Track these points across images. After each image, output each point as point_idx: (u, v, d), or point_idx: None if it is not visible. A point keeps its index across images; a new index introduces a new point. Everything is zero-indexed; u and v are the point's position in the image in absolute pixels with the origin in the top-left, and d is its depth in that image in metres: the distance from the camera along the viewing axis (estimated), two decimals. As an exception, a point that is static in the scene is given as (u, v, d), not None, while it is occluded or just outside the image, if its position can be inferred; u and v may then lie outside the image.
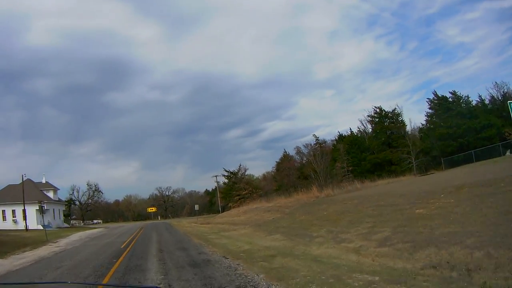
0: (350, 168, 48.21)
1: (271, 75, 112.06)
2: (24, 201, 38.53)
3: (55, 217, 51.55)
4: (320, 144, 58.09)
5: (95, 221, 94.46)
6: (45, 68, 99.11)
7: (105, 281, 7.52)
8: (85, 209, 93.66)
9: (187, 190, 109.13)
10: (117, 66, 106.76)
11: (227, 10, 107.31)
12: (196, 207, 54.84)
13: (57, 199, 54.00)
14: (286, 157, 65.69)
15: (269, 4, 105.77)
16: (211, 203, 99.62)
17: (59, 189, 55.32)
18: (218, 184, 63.45)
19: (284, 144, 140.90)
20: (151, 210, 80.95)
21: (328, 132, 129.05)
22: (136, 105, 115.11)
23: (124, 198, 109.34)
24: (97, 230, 41.04)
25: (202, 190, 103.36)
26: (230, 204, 55.59)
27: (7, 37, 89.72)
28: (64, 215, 63.80)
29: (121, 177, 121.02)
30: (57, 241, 23.33)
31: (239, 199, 53.74)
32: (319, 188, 35.31)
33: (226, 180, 63.79)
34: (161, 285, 6.15)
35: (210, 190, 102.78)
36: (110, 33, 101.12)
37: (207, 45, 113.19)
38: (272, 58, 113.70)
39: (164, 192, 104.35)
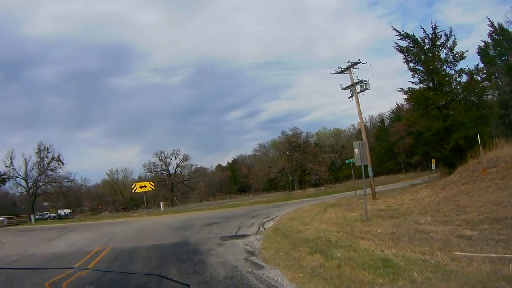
0: None
1: (273, 55, 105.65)
2: None
3: None
4: None
5: (64, 212, 52.71)
6: (50, 55, 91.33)
7: None
8: (33, 194, 51.11)
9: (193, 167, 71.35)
10: (121, 51, 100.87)
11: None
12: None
13: None
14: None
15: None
16: (234, 178, 78.24)
17: None
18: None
19: (283, 124, 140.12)
20: (142, 189, 36.60)
21: (329, 111, 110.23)
22: (138, 88, 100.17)
23: (108, 176, 67.46)
24: None
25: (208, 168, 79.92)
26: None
27: (12, 25, 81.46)
28: None
29: (122, 161, 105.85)
30: None
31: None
32: None
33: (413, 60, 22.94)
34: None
35: (225, 164, 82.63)
36: (114, 17, 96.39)
37: (211, 27, 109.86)
38: (275, 38, 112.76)
39: (168, 160, 62.38)
